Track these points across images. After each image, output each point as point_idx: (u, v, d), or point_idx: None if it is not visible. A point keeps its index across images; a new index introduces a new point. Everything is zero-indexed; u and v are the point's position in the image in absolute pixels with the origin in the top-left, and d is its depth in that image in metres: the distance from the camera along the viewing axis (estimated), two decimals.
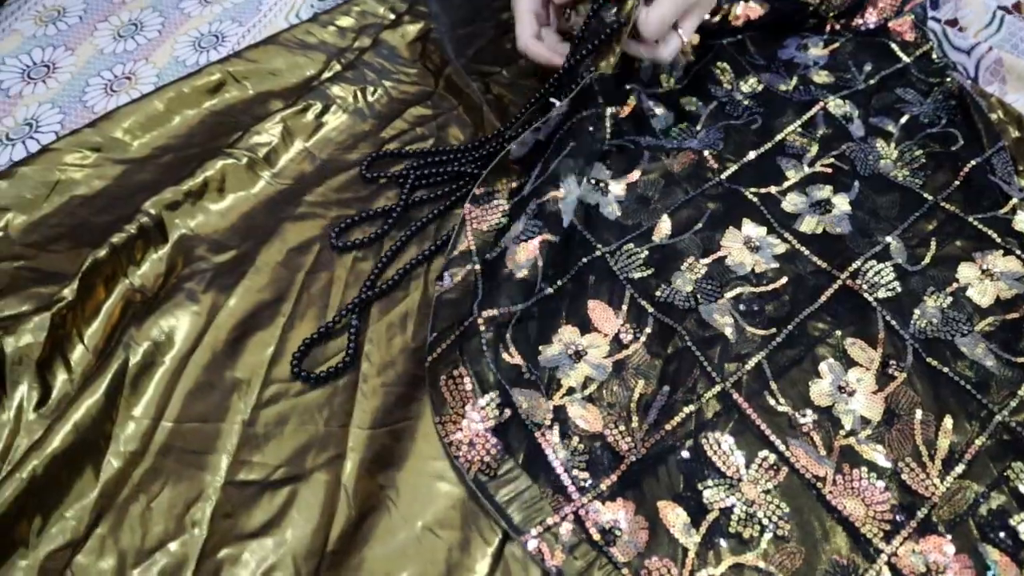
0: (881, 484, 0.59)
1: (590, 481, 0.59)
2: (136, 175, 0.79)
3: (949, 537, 0.57)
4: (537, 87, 0.83)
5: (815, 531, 0.58)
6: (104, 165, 0.79)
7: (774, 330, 0.68)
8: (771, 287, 0.71)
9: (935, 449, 0.61)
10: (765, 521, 0.58)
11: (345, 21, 0.93)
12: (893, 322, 0.68)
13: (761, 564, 0.56)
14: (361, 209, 0.76)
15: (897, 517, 0.58)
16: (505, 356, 0.64)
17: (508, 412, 0.61)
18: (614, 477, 0.60)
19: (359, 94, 0.86)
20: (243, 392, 0.65)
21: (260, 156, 0.79)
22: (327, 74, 0.87)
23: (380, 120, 0.84)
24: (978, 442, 0.61)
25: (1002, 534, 0.57)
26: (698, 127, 0.82)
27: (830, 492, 0.59)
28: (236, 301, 0.69)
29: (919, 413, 0.63)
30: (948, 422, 0.62)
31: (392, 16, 0.94)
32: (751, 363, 0.66)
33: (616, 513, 0.58)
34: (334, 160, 0.81)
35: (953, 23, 0.99)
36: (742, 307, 0.69)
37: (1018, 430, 0.61)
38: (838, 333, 0.67)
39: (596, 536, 0.57)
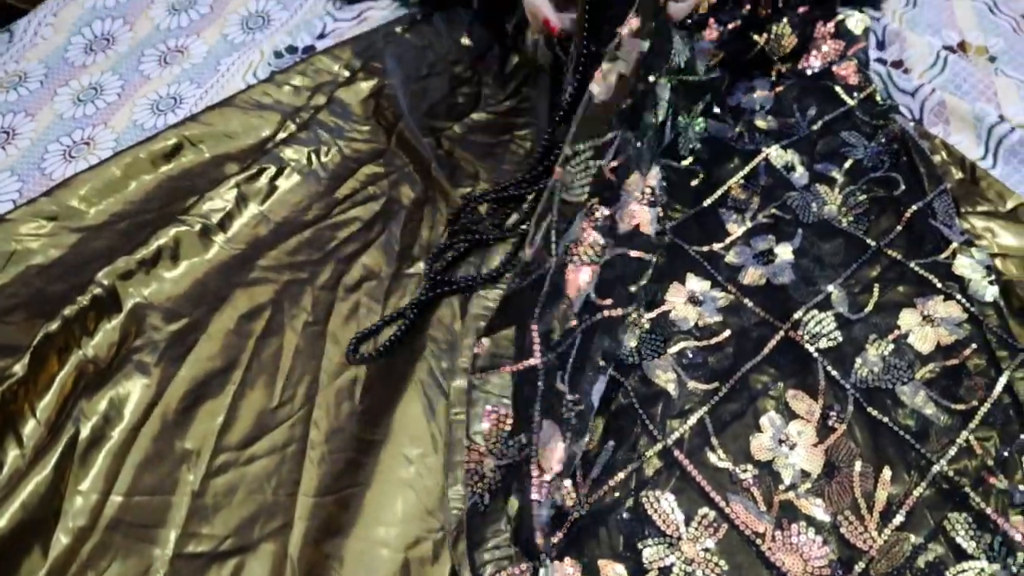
0: (819, 539, 0.60)
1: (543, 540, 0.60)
2: (92, 242, 0.80)
3: None
4: (486, 141, 0.85)
5: None
6: (60, 234, 0.80)
7: (716, 384, 0.69)
8: (714, 340, 0.72)
9: (873, 501, 0.62)
10: None
11: (300, 80, 0.95)
12: (834, 372, 0.69)
13: None
14: (377, 323, 0.74)
15: (835, 572, 0.59)
16: None
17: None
18: (560, 535, 0.60)
19: (313, 155, 0.87)
20: (193, 463, 0.65)
21: (214, 222, 0.80)
22: (282, 135, 0.89)
23: (333, 180, 0.86)
24: (916, 492, 0.62)
25: None
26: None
27: (768, 548, 0.60)
28: (187, 371, 0.70)
29: (858, 465, 0.64)
30: (887, 473, 0.63)
31: (347, 73, 0.96)
32: (693, 419, 0.66)
33: (565, 572, 0.59)
34: (288, 222, 0.82)
35: (898, 64, 1.01)
36: (685, 361, 0.70)
37: (956, 479, 0.62)
38: (780, 385, 0.68)
39: None
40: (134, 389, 0.69)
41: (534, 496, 0.59)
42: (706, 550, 0.60)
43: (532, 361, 0.64)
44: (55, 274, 0.77)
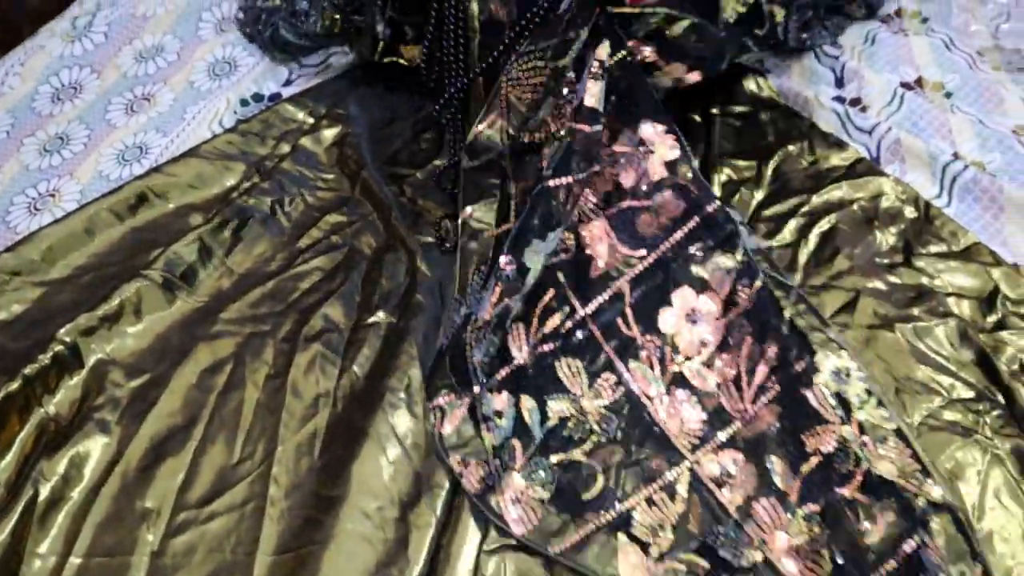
0: (699, 406, 0.70)
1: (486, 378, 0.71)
2: (55, 297, 0.81)
3: (743, 451, 0.68)
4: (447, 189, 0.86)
5: (634, 439, 0.70)
6: (23, 288, 0.81)
7: (644, 252, 0.75)
8: (648, 203, 0.78)
9: (753, 376, 0.69)
10: (596, 428, 0.69)
11: (265, 129, 0.96)
12: (750, 246, 0.76)
13: (584, 459, 0.68)
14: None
15: (707, 434, 0.69)
16: None
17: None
18: (505, 372, 0.72)
19: (276, 205, 0.88)
20: (152, 522, 0.66)
21: (177, 275, 0.81)
22: (246, 184, 0.90)
23: (296, 229, 0.86)
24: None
25: (790, 448, 0.67)
26: None
27: (655, 410, 0.70)
28: (148, 428, 0.70)
29: (749, 341, 0.71)
30: (771, 351, 0.70)
31: (311, 120, 0.97)
32: (614, 287, 0.74)
33: (500, 402, 0.70)
34: (251, 274, 0.83)
35: (857, 102, 1.02)
36: (619, 224, 0.77)
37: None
38: (701, 256, 0.75)
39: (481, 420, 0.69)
40: (94, 448, 0.69)
41: (467, 338, 0.71)
42: (603, 407, 0.71)
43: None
44: (17, 330, 0.78)
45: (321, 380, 0.74)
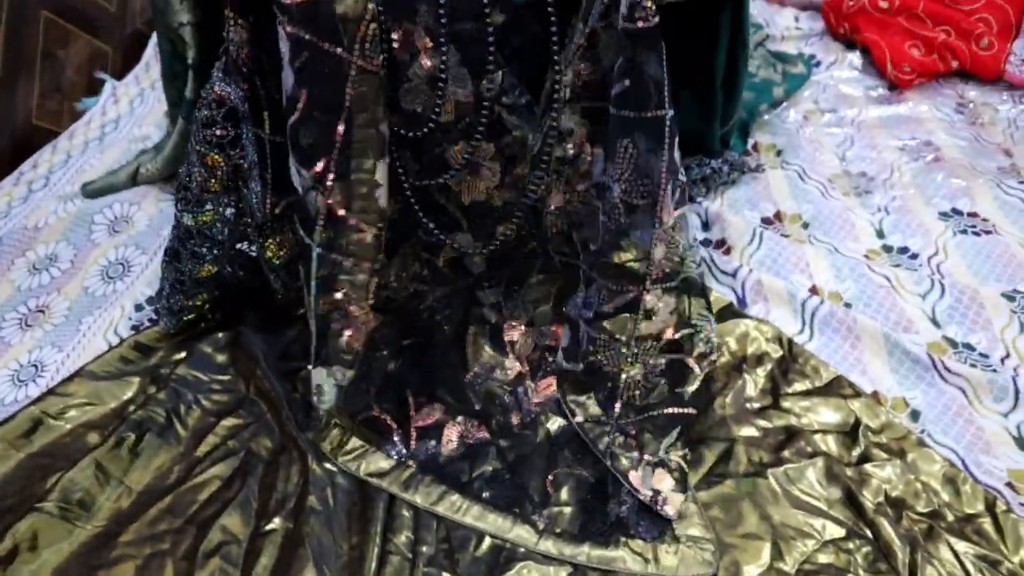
0: None
1: None
2: None
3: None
4: None
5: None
6: None
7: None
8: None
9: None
10: None
11: (160, 336, 0.98)
12: None
13: None
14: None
15: None
16: None
17: None
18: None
19: (173, 414, 0.90)
20: None
21: (74, 502, 0.81)
22: (141, 397, 0.91)
23: (193, 437, 0.88)
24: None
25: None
26: None
27: None
28: None
29: None
30: None
31: (205, 323, 1.00)
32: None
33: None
34: (150, 490, 0.84)
35: (721, 244, 1.10)
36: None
37: None
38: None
39: None
40: None
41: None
42: None
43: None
44: None
45: None
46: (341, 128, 0.71)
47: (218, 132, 0.82)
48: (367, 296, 0.80)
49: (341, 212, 0.75)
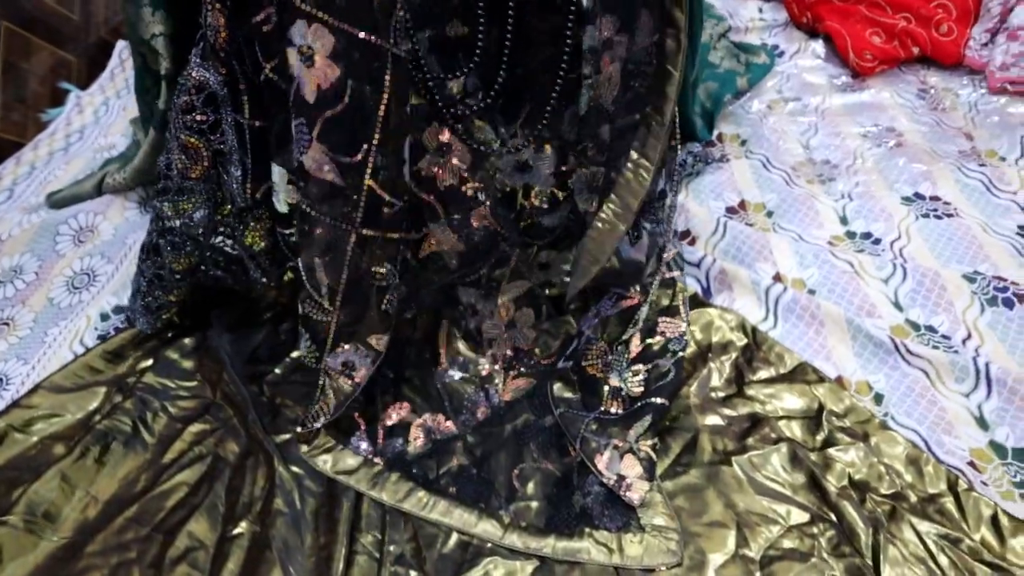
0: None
1: None
2: None
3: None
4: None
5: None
6: None
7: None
8: None
9: None
10: None
11: (125, 344, 0.97)
12: None
13: None
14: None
15: None
16: None
17: None
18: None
19: (139, 422, 0.89)
20: None
21: (39, 515, 0.81)
22: (107, 407, 0.91)
23: (160, 444, 0.88)
24: None
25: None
26: None
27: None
28: None
29: None
30: None
31: (171, 330, 0.99)
32: None
33: None
34: (116, 499, 0.83)
35: (686, 234, 1.10)
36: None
37: None
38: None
39: None
40: None
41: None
42: None
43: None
44: None
45: None
46: (382, 113, 0.73)
47: (198, 117, 0.82)
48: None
49: (380, 192, 0.76)
